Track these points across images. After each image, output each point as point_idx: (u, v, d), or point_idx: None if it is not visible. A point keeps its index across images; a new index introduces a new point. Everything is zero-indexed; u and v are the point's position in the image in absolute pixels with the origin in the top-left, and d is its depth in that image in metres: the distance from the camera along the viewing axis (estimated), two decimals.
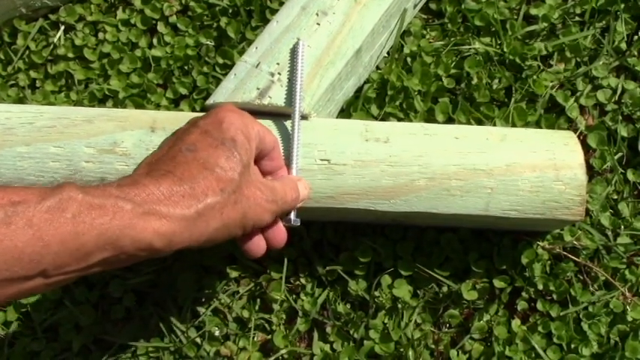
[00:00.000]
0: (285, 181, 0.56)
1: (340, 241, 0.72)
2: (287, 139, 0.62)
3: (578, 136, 0.69)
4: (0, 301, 0.40)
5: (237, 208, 0.49)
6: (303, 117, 0.63)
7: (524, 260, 0.70)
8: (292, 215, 0.58)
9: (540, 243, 0.71)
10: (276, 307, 0.71)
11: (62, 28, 0.81)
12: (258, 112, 0.64)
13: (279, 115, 0.64)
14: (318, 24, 0.67)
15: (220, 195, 0.47)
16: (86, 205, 0.41)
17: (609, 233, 0.72)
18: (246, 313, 0.70)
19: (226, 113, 0.52)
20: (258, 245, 0.56)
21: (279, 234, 0.57)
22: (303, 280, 0.71)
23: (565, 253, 0.70)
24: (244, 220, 0.50)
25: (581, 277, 0.71)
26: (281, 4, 0.79)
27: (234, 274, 0.71)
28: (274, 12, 0.78)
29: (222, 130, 0.50)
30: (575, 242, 0.70)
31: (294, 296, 0.71)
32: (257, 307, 0.71)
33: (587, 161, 0.63)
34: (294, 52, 0.64)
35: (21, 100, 0.77)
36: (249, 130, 0.52)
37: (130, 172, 0.61)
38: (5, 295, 0.40)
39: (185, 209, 0.45)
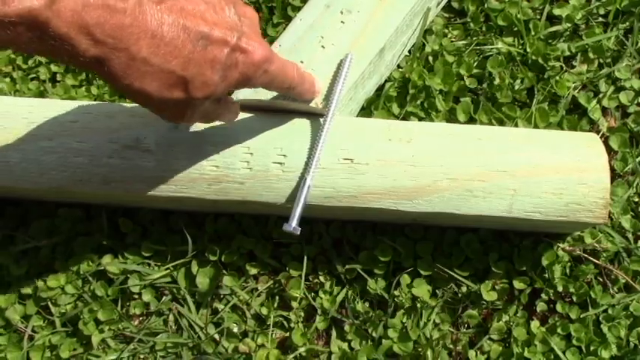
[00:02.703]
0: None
1: (360, 240, 0.72)
2: (310, 137, 0.62)
3: (600, 138, 0.68)
4: None
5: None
6: (320, 114, 0.63)
7: (544, 262, 0.70)
8: (294, 222, 0.58)
9: (561, 245, 0.70)
10: (294, 304, 0.71)
11: None
12: (282, 111, 0.64)
13: (303, 114, 0.64)
14: (343, 22, 0.67)
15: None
16: None
17: (630, 236, 0.71)
18: (264, 310, 0.70)
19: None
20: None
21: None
22: (322, 278, 0.71)
23: (585, 255, 0.70)
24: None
25: (601, 280, 0.71)
26: (303, 1, 0.78)
27: (253, 271, 0.71)
28: (296, 9, 0.78)
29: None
30: (595, 244, 0.70)
31: (312, 294, 0.71)
32: (276, 305, 0.71)
33: (608, 163, 0.63)
34: (341, 63, 0.64)
35: (42, 94, 0.77)
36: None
37: (154, 169, 0.62)
38: None
39: None
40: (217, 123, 0.62)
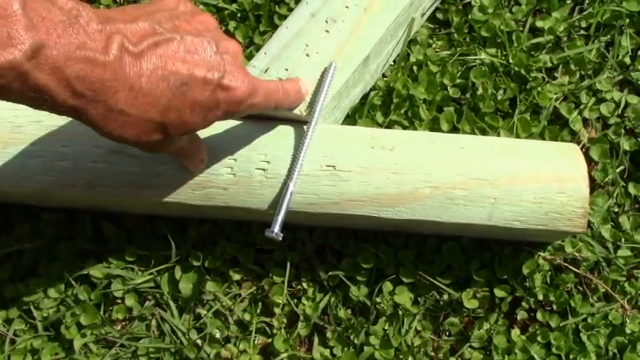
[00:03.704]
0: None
1: (343, 247, 0.72)
2: (294, 144, 0.63)
3: (581, 149, 0.69)
4: None
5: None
6: (304, 122, 0.64)
7: (525, 270, 0.71)
8: (276, 228, 0.58)
9: (541, 254, 0.71)
10: (277, 310, 0.71)
11: None
12: (266, 117, 0.65)
13: (287, 121, 0.65)
14: (327, 31, 0.67)
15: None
16: None
17: (610, 246, 0.72)
18: (247, 316, 0.71)
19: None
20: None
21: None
22: (304, 285, 0.72)
23: (566, 264, 0.71)
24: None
25: (581, 289, 0.72)
26: (289, 9, 0.79)
27: (236, 276, 0.72)
28: (282, 17, 0.79)
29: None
30: (575, 254, 0.71)
31: (295, 300, 0.72)
32: (258, 311, 0.71)
33: (589, 174, 0.64)
34: (325, 72, 0.65)
35: None
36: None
37: (139, 174, 0.62)
38: None
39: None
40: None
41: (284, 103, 0.56)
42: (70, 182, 0.63)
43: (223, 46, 0.48)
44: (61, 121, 0.64)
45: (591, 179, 0.73)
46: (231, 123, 0.64)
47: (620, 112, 0.77)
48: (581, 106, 0.77)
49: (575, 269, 0.71)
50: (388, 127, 0.75)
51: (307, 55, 0.66)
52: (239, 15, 0.81)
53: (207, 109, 0.46)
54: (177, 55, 0.44)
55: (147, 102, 0.43)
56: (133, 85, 0.42)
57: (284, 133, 0.64)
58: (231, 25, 0.80)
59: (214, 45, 0.46)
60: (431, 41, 0.80)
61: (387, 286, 0.71)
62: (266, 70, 0.66)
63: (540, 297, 0.70)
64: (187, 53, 0.44)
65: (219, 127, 0.64)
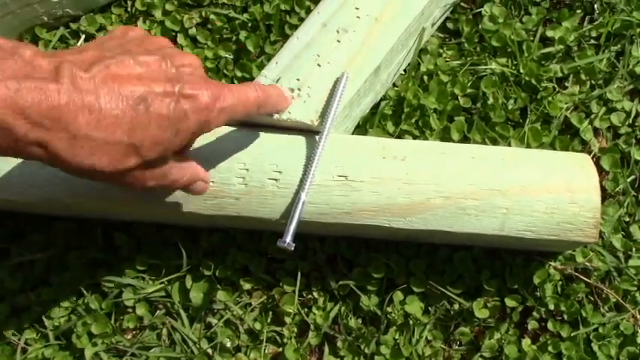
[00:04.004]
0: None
1: (354, 257, 0.72)
2: (306, 154, 0.63)
3: (592, 158, 0.69)
4: None
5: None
6: (316, 132, 0.64)
7: (536, 280, 0.70)
8: (288, 238, 0.58)
9: (552, 263, 0.71)
10: (288, 320, 0.71)
11: (83, 37, 0.82)
12: (278, 127, 0.65)
13: (298, 131, 0.65)
14: (339, 41, 0.68)
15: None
16: None
17: (621, 255, 0.72)
18: (258, 326, 0.71)
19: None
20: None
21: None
22: (315, 294, 0.72)
23: (577, 274, 0.71)
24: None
25: (592, 299, 0.71)
26: (300, 19, 0.79)
27: (247, 286, 0.72)
28: (293, 27, 0.79)
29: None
30: (586, 263, 0.71)
31: (306, 310, 0.72)
32: (269, 320, 0.71)
33: (600, 183, 0.64)
34: (337, 82, 0.65)
35: None
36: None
37: None
38: None
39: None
40: (213, 138, 0.63)
41: (266, 105, 0.55)
42: (80, 191, 0.63)
43: (179, 60, 0.48)
44: None
45: (602, 189, 0.73)
46: (242, 133, 0.64)
47: (630, 121, 0.77)
48: (592, 116, 0.77)
49: (586, 279, 0.71)
50: (399, 136, 0.75)
51: (318, 65, 0.66)
52: (250, 25, 0.81)
53: (175, 121, 0.45)
54: (131, 73, 0.43)
55: (110, 123, 0.42)
56: (91, 108, 0.41)
57: (296, 143, 0.64)
58: (242, 34, 0.80)
59: (169, 60, 0.46)
60: (441, 51, 0.80)
61: (398, 295, 0.71)
62: (277, 80, 0.66)
63: (551, 307, 0.70)
64: (142, 70, 0.44)
65: (231, 137, 0.64)
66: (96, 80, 0.41)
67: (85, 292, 0.71)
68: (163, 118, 0.44)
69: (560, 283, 0.72)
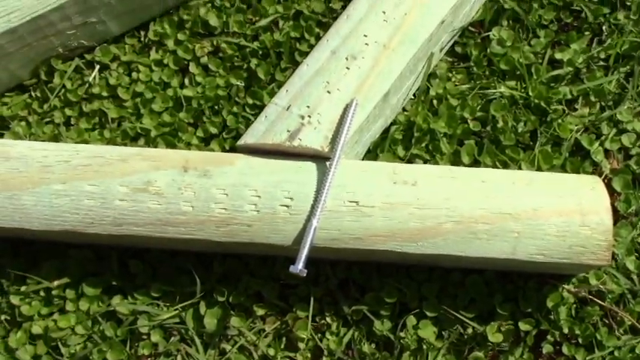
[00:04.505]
0: None
1: (366, 281, 0.72)
2: (317, 180, 0.63)
3: (603, 180, 0.69)
4: None
5: None
6: (326, 158, 0.65)
7: (549, 303, 0.70)
8: (301, 264, 0.59)
9: (566, 286, 0.71)
10: (301, 345, 0.71)
11: (97, 67, 0.83)
12: (289, 154, 0.66)
13: (309, 157, 0.66)
14: (348, 68, 0.69)
15: None
16: None
17: (635, 277, 0.72)
18: (271, 351, 0.71)
19: None
20: None
21: None
22: (328, 319, 0.72)
23: (590, 296, 0.70)
24: None
25: (607, 321, 0.71)
26: (310, 46, 0.81)
27: (260, 312, 0.72)
28: (303, 54, 0.80)
29: None
30: (600, 286, 0.70)
31: (319, 335, 0.72)
32: (283, 346, 0.72)
33: (612, 204, 0.64)
34: (346, 108, 0.66)
35: (56, 137, 0.79)
36: None
37: (164, 211, 0.63)
38: None
39: None
40: (227, 166, 0.64)
41: None
42: (96, 220, 0.64)
43: None
44: (89, 160, 0.65)
45: (614, 210, 0.73)
46: (253, 161, 0.65)
47: None
48: (603, 137, 0.77)
49: (600, 302, 0.70)
50: (409, 161, 0.76)
51: (328, 91, 0.67)
52: (260, 52, 0.82)
53: None
54: None
55: None
56: None
57: (307, 169, 0.65)
58: (253, 62, 0.81)
59: None
60: (450, 75, 0.81)
61: (411, 320, 0.71)
62: (288, 108, 0.67)
63: (565, 330, 0.70)
64: None
65: (243, 164, 0.65)
66: None
67: (100, 319, 0.72)
68: None
69: (574, 306, 0.71)
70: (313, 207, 0.62)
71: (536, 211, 0.63)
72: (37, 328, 0.72)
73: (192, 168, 0.65)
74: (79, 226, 0.64)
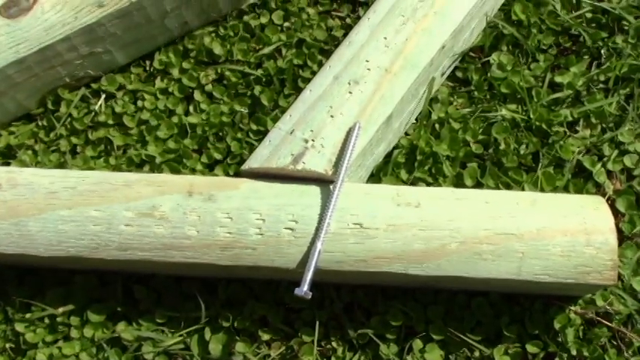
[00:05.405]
0: None
1: (371, 305, 0.72)
2: (321, 203, 0.64)
3: (607, 201, 0.70)
4: None
5: None
6: (330, 181, 0.65)
7: (556, 325, 0.70)
8: (306, 287, 0.59)
9: (572, 307, 0.70)
10: None
11: (103, 96, 0.84)
12: (293, 177, 0.66)
13: (313, 180, 0.66)
14: (350, 92, 0.69)
15: None
16: None
17: None
18: None
19: None
20: None
21: None
22: (334, 344, 0.71)
23: (598, 318, 0.70)
24: None
25: (615, 343, 0.70)
26: (312, 73, 0.82)
27: (265, 337, 0.72)
28: (306, 80, 0.81)
29: None
30: (607, 307, 0.70)
31: None
32: None
33: (616, 225, 0.64)
34: (350, 132, 0.67)
35: (62, 165, 0.80)
36: None
37: (169, 236, 0.63)
38: None
39: None
40: (231, 190, 0.64)
41: None
42: (102, 245, 0.65)
43: None
44: (94, 186, 0.66)
45: (619, 231, 0.73)
46: (258, 184, 0.65)
47: None
48: (605, 159, 0.78)
49: (607, 323, 0.70)
50: (412, 184, 0.76)
51: (331, 116, 0.68)
52: (264, 80, 0.83)
53: None
54: None
55: None
56: None
57: (311, 192, 0.65)
58: (257, 89, 0.82)
59: None
60: (452, 99, 0.82)
61: (417, 343, 0.70)
62: (292, 132, 0.67)
63: (574, 352, 0.69)
64: None
65: (247, 188, 0.65)
66: None
67: (105, 345, 0.71)
68: None
69: (582, 327, 0.71)
70: (317, 230, 0.63)
71: (541, 231, 0.63)
72: (41, 356, 0.72)
73: (196, 192, 0.65)
74: (85, 251, 0.65)
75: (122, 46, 0.82)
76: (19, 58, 0.75)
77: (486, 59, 0.83)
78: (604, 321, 0.70)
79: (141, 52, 0.85)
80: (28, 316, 0.73)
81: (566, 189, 0.76)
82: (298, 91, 0.81)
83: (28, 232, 0.65)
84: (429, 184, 0.76)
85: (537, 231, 0.63)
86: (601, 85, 0.82)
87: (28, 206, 0.65)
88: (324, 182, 0.66)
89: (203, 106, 0.83)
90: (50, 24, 0.75)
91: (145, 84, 0.85)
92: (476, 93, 0.82)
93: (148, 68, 0.86)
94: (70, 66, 0.80)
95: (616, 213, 0.75)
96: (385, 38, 0.73)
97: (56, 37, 0.75)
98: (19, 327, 0.72)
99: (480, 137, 0.79)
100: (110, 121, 0.83)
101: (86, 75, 0.83)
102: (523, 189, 0.75)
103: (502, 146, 0.77)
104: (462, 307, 0.72)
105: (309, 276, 0.60)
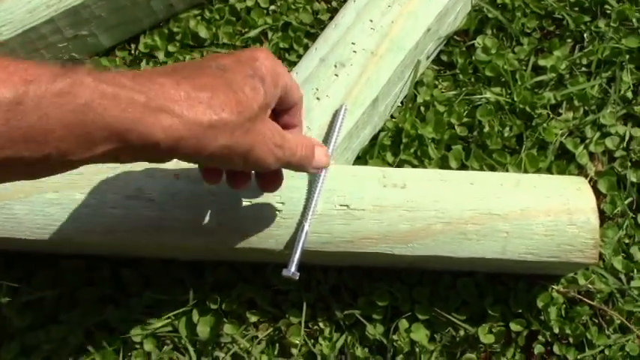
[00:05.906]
0: (300, 137, 0.54)
1: (357, 286, 0.73)
2: (308, 185, 0.64)
3: (589, 182, 0.71)
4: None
5: (247, 137, 0.46)
6: None
7: (539, 304, 0.71)
8: (293, 268, 0.59)
9: (555, 287, 0.72)
10: (294, 351, 0.71)
11: None
12: None
13: None
14: (337, 75, 0.70)
15: (237, 116, 0.44)
16: (99, 93, 0.38)
17: (622, 277, 0.73)
18: (265, 358, 0.71)
19: (262, 54, 0.50)
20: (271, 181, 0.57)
21: (276, 181, 0.58)
22: (321, 325, 0.72)
23: (580, 296, 0.71)
24: (249, 153, 0.47)
25: (597, 321, 0.72)
26: (299, 56, 0.82)
27: (253, 318, 0.72)
28: (292, 64, 0.81)
29: (254, 66, 0.49)
30: (589, 286, 0.71)
31: (312, 341, 0.72)
32: (276, 352, 0.72)
33: (598, 206, 0.65)
34: (336, 114, 0.67)
35: None
36: (279, 77, 0.51)
37: (157, 218, 0.63)
38: (6, 174, 0.39)
39: (200, 115, 0.42)
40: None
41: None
42: (89, 228, 0.64)
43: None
44: (81, 169, 0.65)
45: (601, 212, 0.74)
46: None
47: (625, 145, 0.79)
48: (587, 141, 0.79)
49: (589, 301, 0.71)
50: (398, 166, 0.77)
51: (318, 98, 0.68)
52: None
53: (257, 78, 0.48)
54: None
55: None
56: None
57: (297, 174, 0.65)
58: None
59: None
60: (437, 82, 0.83)
61: (403, 323, 0.71)
62: None
63: (556, 330, 0.71)
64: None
65: None
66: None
67: (93, 329, 0.72)
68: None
69: (564, 306, 0.72)
70: (304, 211, 0.63)
71: (524, 211, 0.64)
72: (29, 339, 0.72)
73: (184, 175, 0.65)
74: (72, 234, 0.65)
75: (107, 28, 0.82)
76: (2, 40, 0.74)
77: (471, 43, 0.84)
78: (586, 299, 0.71)
79: (126, 35, 0.85)
80: (15, 299, 0.73)
81: (549, 170, 0.77)
82: None
83: (14, 215, 0.64)
84: (414, 167, 0.77)
85: (521, 211, 0.64)
86: (583, 69, 0.83)
87: (15, 190, 0.65)
88: None
89: None
90: (34, 5, 0.74)
91: (131, 67, 0.85)
92: (461, 76, 0.82)
93: (133, 51, 0.86)
94: (54, 49, 0.80)
95: (598, 194, 0.76)
96: (371, 21, 0.73)
97: (40, 19, 0.75)
98: (7, 311, 0.72)
99: (465, 120, 0.79)
100: None
101: (71, 58, 0.83)
102: (507, 170, 0.76)
103: (486, 129, 0.78)
104: (447, 288, 0.73)
105: (296, 257, 0.60)
